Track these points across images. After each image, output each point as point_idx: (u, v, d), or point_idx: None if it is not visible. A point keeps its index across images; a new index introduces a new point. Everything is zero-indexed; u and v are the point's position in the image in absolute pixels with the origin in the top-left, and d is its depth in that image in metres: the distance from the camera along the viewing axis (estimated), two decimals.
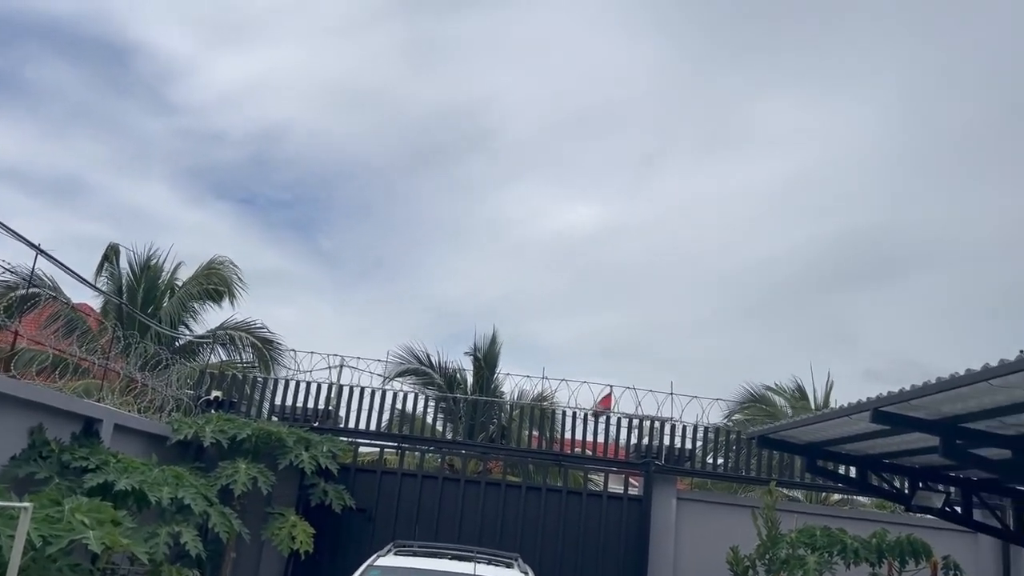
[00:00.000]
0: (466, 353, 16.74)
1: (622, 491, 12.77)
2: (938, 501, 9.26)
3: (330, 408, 12.89)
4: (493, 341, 16.75)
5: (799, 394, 18.36)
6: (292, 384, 13.05)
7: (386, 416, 13.25)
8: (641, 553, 12.04)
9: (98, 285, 16.66)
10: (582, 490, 12.81)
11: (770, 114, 30.63)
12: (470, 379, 16.45)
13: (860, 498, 16.07)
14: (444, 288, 39.83)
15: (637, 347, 35.61)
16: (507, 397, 15.85)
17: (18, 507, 5.19)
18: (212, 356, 16.84)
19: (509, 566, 8.09)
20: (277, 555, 11.35)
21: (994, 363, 5.21)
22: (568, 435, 13.48)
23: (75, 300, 15.90)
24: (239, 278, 17.97)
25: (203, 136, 36.43)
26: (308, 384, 12.98)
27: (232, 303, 17.79)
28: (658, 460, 12.51)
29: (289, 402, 12.88)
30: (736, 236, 36.50)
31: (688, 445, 12.84)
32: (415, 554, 8.17)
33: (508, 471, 13.64)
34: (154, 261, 17.47)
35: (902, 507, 10.88)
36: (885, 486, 10.31)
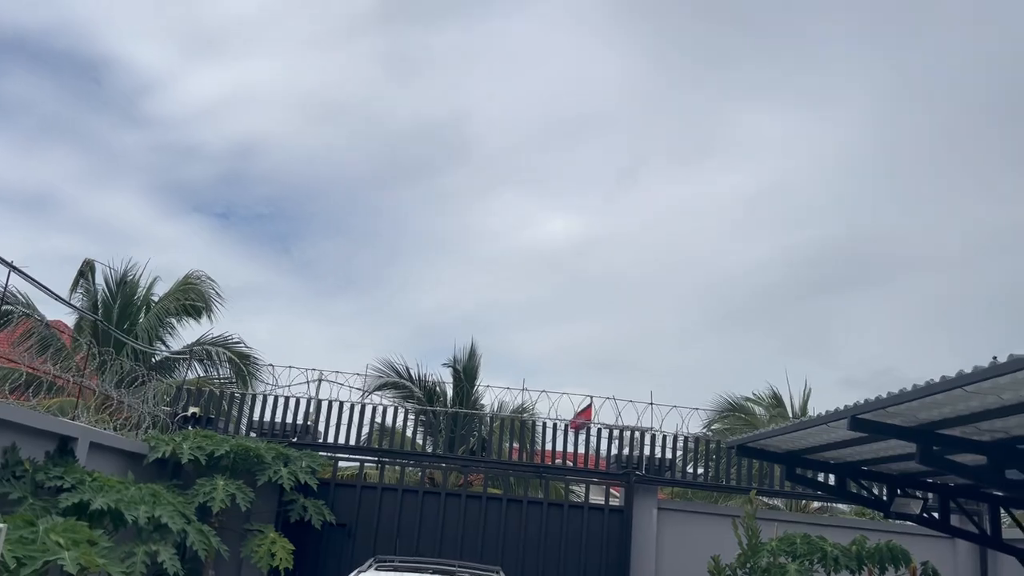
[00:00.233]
0: (445, 365, 16.74)
1: (603, 502, 12.78)
2: (916, 507, 9.34)
3: (309, 423, 12.80)
4: (472, 353, 16.76)
5: (775, 402, 18.49)
6: (270, 399, 12.95)
7: (365, 430, 13.20)
8: (623, 564, 12.04)
9: (73, 301, 16.45)
10: (563, 502, 12.79)
11: (745, 125, 30.98)
12: (450, 392, 16.42)
13: (840, 506, 16.19)
14: (423, 300, 39.80)
15: (617, 357, 35.75)
16: (487, 409, 15.81)
17: None
18: (189, 372, 16.69)
19: None
20: (257, 572, 11.23)
21: (968, 370, 5.27)
22: (549, 447, 13.48)
23: (49, 317, 15.73)
24: (216, 293, 17.84)
25: (179, 150, 36.18)
26: (287, 399, 12.89)
27: (210, 318, 17.66)
28: (639, 470, 12.52)
29: (267, 417, 12.79)
30: (713, 246, 36.81)
31: (668, 455, 12.88)
32: (396, 569, 8.14)
33: (489, 484, 13.60)
34: (130, 277, 17.30)
35: (881, 514, 10.96)
36: (864, 493, 10.38)
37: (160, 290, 17.70)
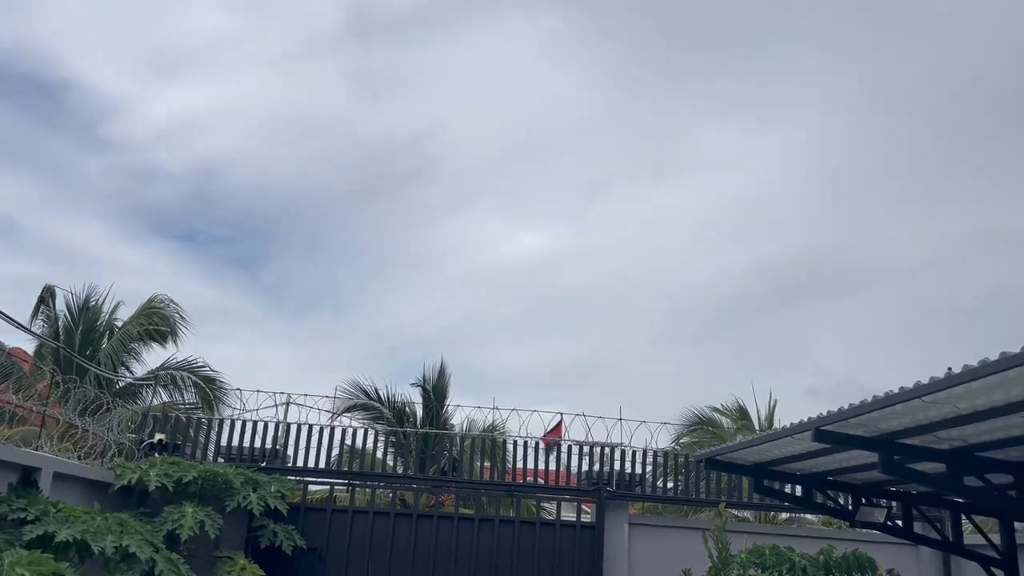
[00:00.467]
0: (414, 384, 16.66)
1: (575, 519, 12.82)
2: (880, 516, 9.52)
3: (278, 447, 12.71)
4: (442, 372, 16.72)
5: (741, 414, 18.69)
6: (238, 424, 12.84)
7: (335, 453, 13.12)
8: None
9: (34, 328, 16.20)
10: (535, 520, 12.81)
11: (709, 140, 31.39)
12: (420, 412, 16.37)
13: (808, 516, 16.37)
14: (393, 319, 39.63)
15: (587, 372, 35.86)
16: (457, 429, 15.81)
17: None
18: (154, 398, 16.46)
19: None
20: None
21: (925, 380, 5.43)
22: (520, 464, 13.51)
23: (9, 344, 15.44)
24: (181, 316, 17.68)
25: (141, 173, 35.72)
26: (254, 423, 12.79)
27: (175, 342, 17.48)
28: (609, 486, 12.60)
29: (235, 442, 12.67)
30: (680, 259, 37.19)
31: (639, 470, 12.98)
32: None
33: (461, 504, 13.58)
34: (93, 302, 17.08)
35: (847, 523, 11.14)
36: (830, 503, 10.56)
37: (124, 315, 17.52)
